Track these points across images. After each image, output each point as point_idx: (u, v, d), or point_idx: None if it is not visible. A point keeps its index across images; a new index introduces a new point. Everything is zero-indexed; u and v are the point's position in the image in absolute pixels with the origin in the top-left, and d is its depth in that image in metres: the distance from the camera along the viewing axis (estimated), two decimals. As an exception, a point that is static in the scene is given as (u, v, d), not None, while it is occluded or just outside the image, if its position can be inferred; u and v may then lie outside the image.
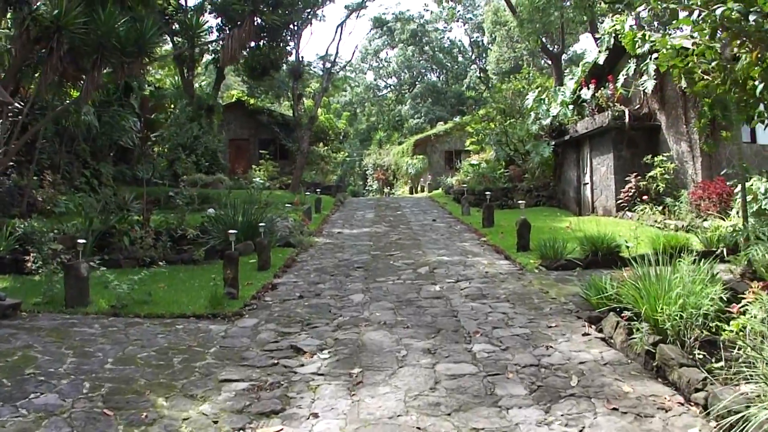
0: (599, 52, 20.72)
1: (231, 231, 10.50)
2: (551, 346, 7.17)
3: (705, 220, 15.11)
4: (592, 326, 7.98)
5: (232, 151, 38.85)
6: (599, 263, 11.81)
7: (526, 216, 14.36)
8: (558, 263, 11.75)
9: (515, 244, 13.81)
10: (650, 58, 18.33)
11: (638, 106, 19.62)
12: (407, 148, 44.42)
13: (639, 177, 18.45)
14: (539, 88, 24.33)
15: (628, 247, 11.27)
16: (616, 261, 11.93)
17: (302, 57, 31.91)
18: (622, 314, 7.64)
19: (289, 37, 33.22)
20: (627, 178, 18.70)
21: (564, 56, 45.54)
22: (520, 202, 15.20)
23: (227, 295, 9.60)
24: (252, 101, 39.85)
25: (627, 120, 18.94)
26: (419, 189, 41.08)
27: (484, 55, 66.17)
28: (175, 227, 15.07)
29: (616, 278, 8.61)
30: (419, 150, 42.84)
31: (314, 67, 44.24)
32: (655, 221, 16.66)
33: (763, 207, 13.94)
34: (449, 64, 68.46)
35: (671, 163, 17.87)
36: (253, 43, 33.55)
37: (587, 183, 21.14)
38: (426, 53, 67.75)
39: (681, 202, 16.86)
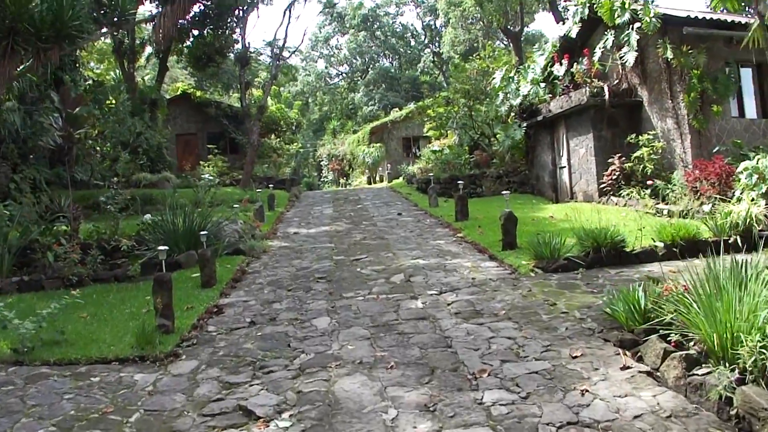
0: (573, 23, 18.97)
1: (160, 248, 8.27)
2: (587, 390, 5.34)
3: (703, 204, 13.53)
4: (627, 353, 6.17)
5: (179, 147, 36.56)
6: (603, 261, 10.12)
7: (494, 204, 12.61)
8: (557, 264, 9.94)
9: (499, 240, 11.99)
10: (631, 28, 16.74)
11: (617, 81, 18.01)
12: (363, 137, 42.43)
13: (623, 158, 16.83)
14: (507, 66, 22.44)
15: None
16: (622, 257, 10.33)
17: (249, 43, 29.80)
18: (668, 338, 5.89)
19: (234, 23, 31.09)
20: (610, 160, 17.11)
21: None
22: (504, 192, 13.30)
23: (159, 328, 7.55)
24: (199, 94, 37.47)
25: (607, 97, 17.31)
26: (378, 179, 39.14)
27: (437, 39, 64.40)
28: (108, 238, 12.96)
29: (650, 287, 6.83)
30: (376, 138, 40.91)
31: (262, 54, 42.03)
32: (646, 206, 15.07)
33: (774, 188, 12.37)
34: (402, 49, 66.45)
35: (659, 142, 16.27)
36: (196, 32, 31.62)
37: (564, 167, 19.46)
38: (378, 39, 65.66)
39: (674, 185, 15.28)
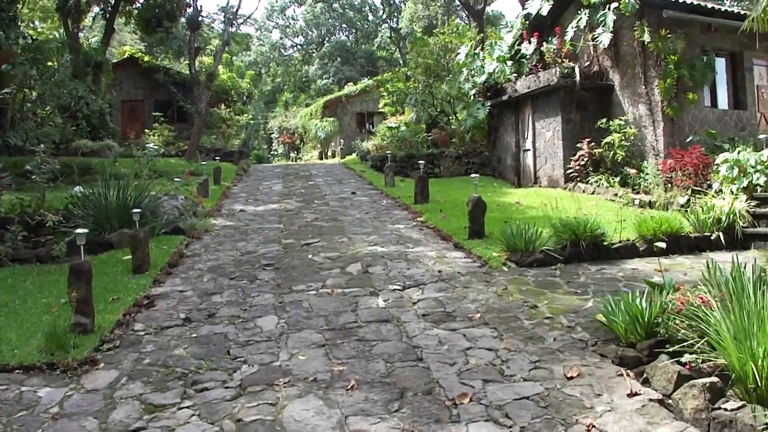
0: (542, 1, 17.98)
1: (79, 231, 6.79)
2: (593, 426, 4.35)
3: (678, 195, 12.77)
4: (631, 374, 5.20)
5: (124, 114, 34.73)
6: (582, 255, 9.23)
7: (454, 186, 11.60)
8: (532, 258, 8.96)
9: (464, 227, 10.99)
10: (608, 8, 15.83)
11: (588, 63, 17.12)
12: (316, 110, 40.97)
13: (593, 143, 15.98)
14: (472, 42, 21.33)
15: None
16: (601, 252, 9.44)
17: (201, 6, 28.06)
18: (680, 358, 4.95)
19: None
20: (578, 145, 16.24)
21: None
22: (474, 175, 12.09)
23: (75, 328, 6.30)
24: (147, 59, 35.53)
25: (578, 79, 16.42)
26: (330, 154, 37.84)
27: (395, 14, 63.05)
28: (32, 212, 11.55)
29: (652, 294, 5.88)
30: (329, 112, 39.51)
31: (214, 21, 40.26)
32: (616, 195, 14.27)
33: (754, 182, 11.63)
34: (359, 23, 64.82)
35: (630, 128, 15.45)
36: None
37: (528, 149, 18.54)
38: (335, 11, 63.93)
39: (646, 174, 14.49)
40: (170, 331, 6.55)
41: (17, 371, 5.58)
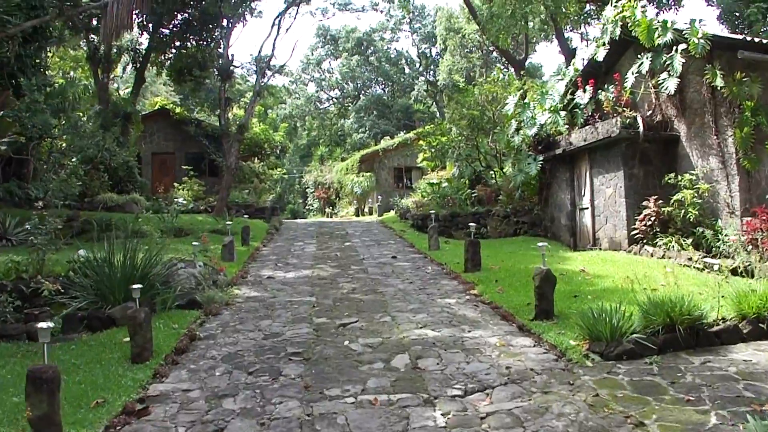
0: (600, 45, 16.48)
1: (42, 325, 5.03)
2: None
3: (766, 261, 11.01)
4: None
5: (155, 167, 33.88)
6: (678, 343, 7.43)
7: (505, 250, 9.96)
8: (620, 348, 7.20)
9: (527, 304, 9.32)
10: (675, 50, 14.25)
11: (650, 112, 15.48)
12: (352, 165, 39.73)
13: (661, 201, 14.27)
14: (521, 91, 19.80)
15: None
16: (699, 337, 7.69)
17: (232, 56, 27.14)
18: None
19: (219, 35, 28.62)
20: (644, 203, 14.52)
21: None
22: (541, 244, 10.07)
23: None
24: (178, 110, 34.74)
25: (641, 129, 14.77)
26: (366, 210, 36.39)
27: (432, 67, 62.25)
28: (29, 278, 10.16)
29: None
30: (366, 167, 38.24)
31: (247, 69, 39.52)
32: (690, 260, 12.49)
33: None
34: (396, 76, 64.04)
35: (703, 184, 13.72)
36: (179, 43, 29.23)
37: (586, 208, 16.82)
38: (371, 64, 63.30)
39: (725, 235, 12.73)
40: (161, 462, 4.94)
41: None
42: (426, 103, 61.88)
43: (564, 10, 25.16)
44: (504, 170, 21.95)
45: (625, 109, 15.37)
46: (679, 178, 14.06)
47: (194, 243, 12.21)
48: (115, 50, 28.76)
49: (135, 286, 7.37)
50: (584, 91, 16.93)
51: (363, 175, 37.13)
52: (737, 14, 26.45)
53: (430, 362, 7.14)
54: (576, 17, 28.32)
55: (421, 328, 8.67)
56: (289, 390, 6.40)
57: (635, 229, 14.60)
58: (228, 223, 16.65)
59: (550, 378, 6.53)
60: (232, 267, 13.67)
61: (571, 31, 35.62)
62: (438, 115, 53.16)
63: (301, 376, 6.82)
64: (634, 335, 7.36)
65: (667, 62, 14.30)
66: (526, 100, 18.97)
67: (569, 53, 31.05)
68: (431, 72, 62.36)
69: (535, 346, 7.73)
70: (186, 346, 7.97)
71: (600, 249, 15.91)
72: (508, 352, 7.48)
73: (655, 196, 14.38)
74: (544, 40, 42.46)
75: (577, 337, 7.66)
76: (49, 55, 31.07)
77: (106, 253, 9.76)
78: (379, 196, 35.41)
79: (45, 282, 9.63)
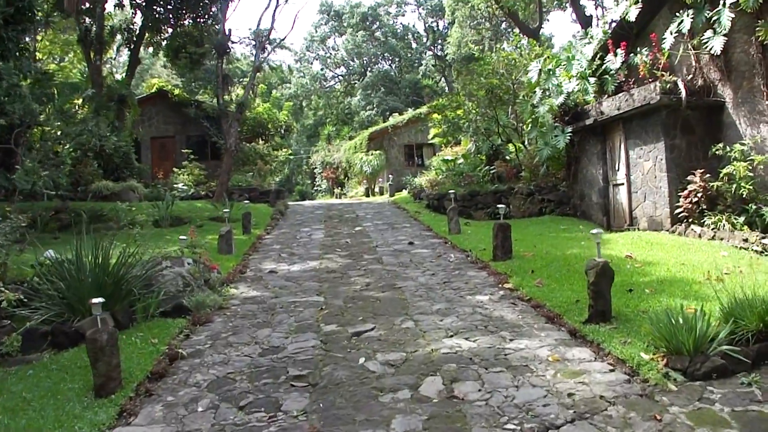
0: (631, 3, 14.82)
1: None
2: None
3: None
4: None
5: (154, 152, 32.44)
6: (771, 353, 5.93)
7: (533, 231, 8.42)
8: (708, 364, 5.66)
9: (575, 301, 7.82)
10: (722, 5, 12.60)
11: (690, 76, 13.84)
12: (361, 143, 38.08)
13: (708, 175, 12.71)
14: (545, 58, 18.05)
15: None
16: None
17: (229, 30, 25.50)
18: None
19: (215, 9, 27.08)
20: (689, 177, 12.96)
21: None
22: (595, 231, 8.15)
23: None
24: (177, 92, 33.21)
25: (683, 95, 13.17)
26: (377, 190, 34.78)
27: (440, 41, 60.42)
28: (-10, 285, 8.69)
29: None
30: (375, 145, 36.62)
31: (246, 45, 37.94)
32: (745, 241, 10.98)
33: None
34: (403, 52, 62.17)
35: (759, 155, 12.14)
36: (174, 20, 27.75)
37: (621, 183, 15.24)
38: (377, 39, 61.46)
39: (783, 211, 11.22)
40: None
41: None
42: (435, 78, 60.12)
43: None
44: (525, 144, 20.32)
45: (663, 73, 13.77)
46: (728, 149, 12.49)
47: (181, 237, 10.66)
48: (107, 31, 27.26)
49: (94, 301, 5.79)
50: (615, 54, 15.34)
51: (372, 154, 35.53)
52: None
53: (470, 387, 5.62)
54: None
55: (451, 336, 7.14)
56: (289, 435, 4.92)
57: (679, 206, 13.08)
58: (225, 210, 15.10)
59: (629, 410, 5.00)
60: (229, 260, 12.17)
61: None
62: (447, 90, 51.44)
63: (305, 412, 5.30)
64: (722, 347, 5.84)
65: (714, 18, 12.67)
66: (550, 67, 17.31)
67: (584, 21, 29.39)
68: (439, 46, 60.57)
69: (596, 360, 6.20)
70: (165, 370, 6.45)
71: (638, 229, 14.37)
72: (566, 370, 5.96)
73: (701, 170, 12.83)
74: (557, 8, 40.66)
75: (648, 347, 6.15)
76: (38, 38, 29.62)
77: (75, 254, 8.25)
78: (390, 175, 33.84)
79: (5, 291, 8.14)
